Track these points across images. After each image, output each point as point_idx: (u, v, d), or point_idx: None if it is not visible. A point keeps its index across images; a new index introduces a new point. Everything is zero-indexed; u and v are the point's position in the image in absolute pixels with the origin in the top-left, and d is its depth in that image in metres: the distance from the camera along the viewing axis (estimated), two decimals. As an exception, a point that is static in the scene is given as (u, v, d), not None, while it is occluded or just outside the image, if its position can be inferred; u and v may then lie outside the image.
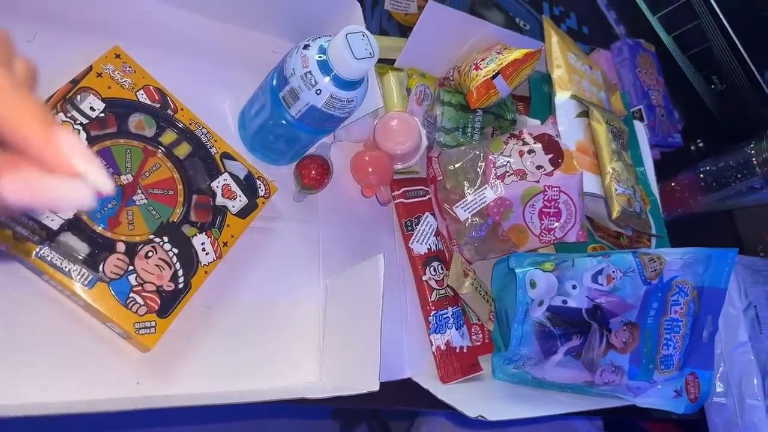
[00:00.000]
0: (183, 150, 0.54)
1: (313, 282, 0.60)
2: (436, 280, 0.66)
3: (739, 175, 0.86)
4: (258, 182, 0.57)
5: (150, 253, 0.49)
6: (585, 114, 0.76)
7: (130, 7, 0.58)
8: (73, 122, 0.49)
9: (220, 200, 0.54)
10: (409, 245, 0.67)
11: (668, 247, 0.80)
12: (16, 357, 0.44)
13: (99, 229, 0.47)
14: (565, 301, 0.63)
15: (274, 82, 0.53)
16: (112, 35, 0.55)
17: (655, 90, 0.98)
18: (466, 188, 0.67)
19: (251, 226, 0.56)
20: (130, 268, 0.47)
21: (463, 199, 0.67)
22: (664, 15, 1.04)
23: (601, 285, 0.63)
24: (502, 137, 0.69)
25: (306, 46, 0.50)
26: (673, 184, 0.95)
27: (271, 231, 0.60)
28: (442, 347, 0.63)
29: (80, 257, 0.45)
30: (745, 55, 0.98)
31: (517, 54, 0.69)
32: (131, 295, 0.47)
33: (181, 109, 0.55)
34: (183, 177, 0.53)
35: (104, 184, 0.21)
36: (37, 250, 0.44)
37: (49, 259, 0.44)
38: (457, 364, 0.63)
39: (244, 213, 0.55)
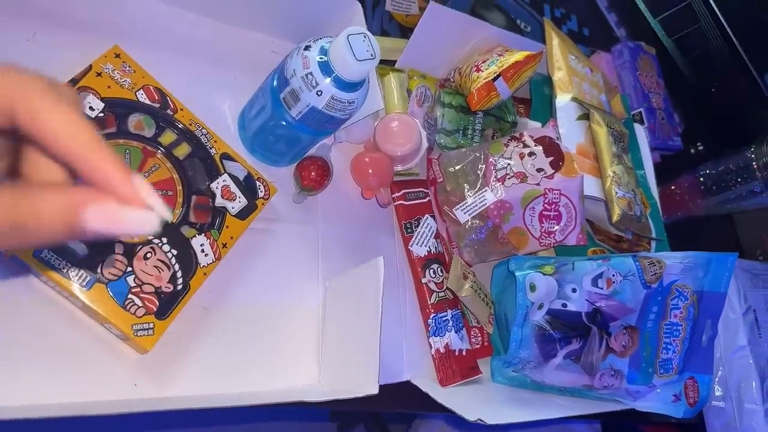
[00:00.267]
0: (182, 150, 0.54)
1: (313, 284, 0.60)
2: (435, 283, 0.66)
3: (739, 179, 0.86)
4: (258, 183, 0.57)
5: (149, 255, 0.48)
6: (586, 117, 0.76)
7: (130, 7, 0.58)
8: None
9: (219, 201, 0.54)
10: (409, 247, 0.67)
11: (668, 251, 0.80)
12: (14, 358, 0.43)
13: (98, 229, 0.47)
14: (564, 305, 0.62)
15: (275, 83, 0.53)
16: (112, 35, 0.54)
17: (655, 93, 0.98)
18: (466, 190, 0.67)
19: (251, 228, 0.56)
20: (129, 269, 0.47)
21: (463, 202, 0.66)
22: (664, 18, 1.04)
23: (601, 288, 0.63)
24: (503, 139, 0.69)
25: (307, 47, 0.50)
26: (673, 187, 0.95)
27: (270, 232, 0.59)
28: (442, 350, 0.63)
29: (78, 258, 0.45)
30: (746, 58, 0.98)
31: (518, 56, 0.69)
32: (129, 296, 0.46)
33: (181, 110, 0.55)
34: (182, 178, 0.53)
35: (166, 213, 0.24)
36: (36, 250, 0.44)
37: (47, 259, 0.44)
38: (456, 367, 0.63)
39: (243, 214, 0.55)
